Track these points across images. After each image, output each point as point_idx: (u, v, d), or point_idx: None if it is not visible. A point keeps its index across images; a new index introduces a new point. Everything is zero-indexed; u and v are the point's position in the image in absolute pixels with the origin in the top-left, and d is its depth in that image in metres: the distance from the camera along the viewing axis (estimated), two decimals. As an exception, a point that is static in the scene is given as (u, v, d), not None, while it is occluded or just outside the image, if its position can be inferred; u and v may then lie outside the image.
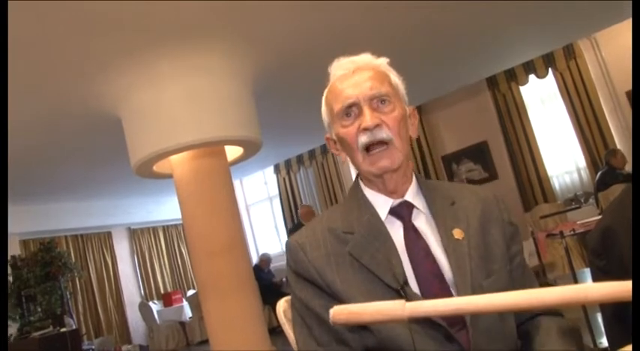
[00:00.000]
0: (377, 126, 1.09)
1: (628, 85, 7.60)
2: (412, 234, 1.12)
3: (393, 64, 1.23)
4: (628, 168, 6.70)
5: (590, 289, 0.39)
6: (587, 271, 4.64)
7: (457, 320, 1.03)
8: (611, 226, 1.90)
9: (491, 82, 8.60)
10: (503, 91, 8.58)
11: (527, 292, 0.39)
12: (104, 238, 10.36)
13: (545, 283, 4.84)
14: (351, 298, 1.05)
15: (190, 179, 5.35)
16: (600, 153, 7.62)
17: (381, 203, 1.15)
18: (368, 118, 1.09)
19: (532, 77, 8.37)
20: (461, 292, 1.03)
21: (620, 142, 7.72)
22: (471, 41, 6.27)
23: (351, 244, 1.10)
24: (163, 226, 11.26)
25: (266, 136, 5.72)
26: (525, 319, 1.15)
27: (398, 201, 1.15)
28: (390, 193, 1.15)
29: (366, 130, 1.10)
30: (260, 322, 5.27)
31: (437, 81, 7.59)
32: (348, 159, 1.18)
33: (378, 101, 1.12)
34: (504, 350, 1.06)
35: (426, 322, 1.02)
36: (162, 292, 10.62)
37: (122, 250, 10.70)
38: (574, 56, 7.99)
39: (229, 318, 4.99)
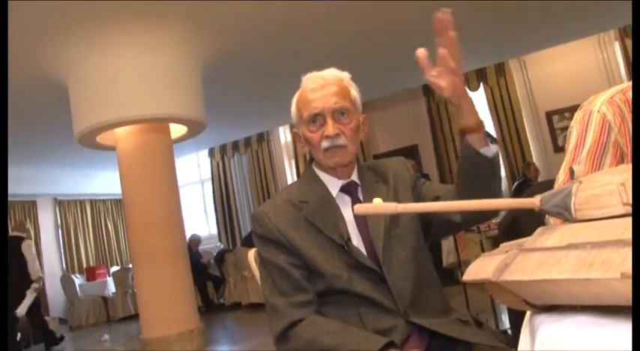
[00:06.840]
0: (337, 135, 1.40)
1: (548, 106, 8.29)
2: None
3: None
4: (540, 179, 7.38)
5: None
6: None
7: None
8: (519, 216, 2.36)
9: (427, 89, 9.01)
10: (437, 99, 9.05)
11: (479, 202, 0.65)
12: (28, 208, 10.03)
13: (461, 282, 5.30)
14: (308, 252, 1.37)
15: (134, 152, 5.44)
16: (519, 166, 8.26)
17: (332, 183, 1.47)
18: (330, 128, 1.39)
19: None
20: (375, 242, 1.38)
21: (537, 157, 8.40)
22: (411, 46, 6.65)
23: (306, 210, 1.41)
24: (91, 200, 11.00)
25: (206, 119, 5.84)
26: None
27: (347, 181, 1.47)
28: (339, 178, 1.47)
29: (327, 137, 1.40)
30: (190, 296, 5.43)
31: (377, 82, 7.93)
32: (309, 151, 1.50)
33: (339, 113, 1.41)
34: (414, 281, 1.39)
35: (363, 268, 1.35)
36: (84, 266, 10.42)
37: (46, 220, 10.41)
38: (504, 74, 8.58)
39: (161, 290, 5.12)
